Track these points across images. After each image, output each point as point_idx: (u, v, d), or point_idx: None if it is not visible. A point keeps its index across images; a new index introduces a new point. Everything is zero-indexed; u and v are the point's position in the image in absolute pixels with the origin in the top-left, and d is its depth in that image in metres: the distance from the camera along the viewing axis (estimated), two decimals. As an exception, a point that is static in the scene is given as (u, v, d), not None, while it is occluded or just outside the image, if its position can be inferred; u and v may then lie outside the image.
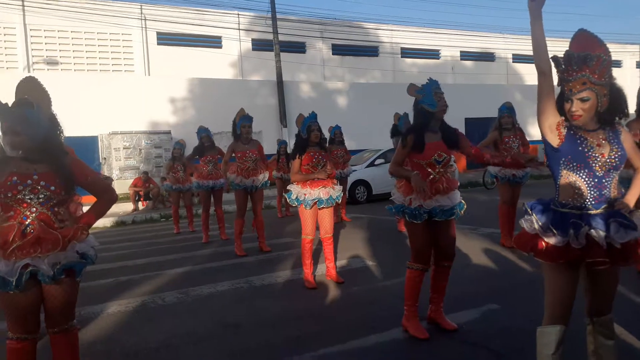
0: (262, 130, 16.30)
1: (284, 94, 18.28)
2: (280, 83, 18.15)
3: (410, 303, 3.58)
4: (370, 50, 22.89)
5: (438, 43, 23.91)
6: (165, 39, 18.61)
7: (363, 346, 3.41)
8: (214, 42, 19.45)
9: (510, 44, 25.45)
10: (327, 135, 7.09)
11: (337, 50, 22.08)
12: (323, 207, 5.00)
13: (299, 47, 21.08)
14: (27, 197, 2.47)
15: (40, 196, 2.49)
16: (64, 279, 2.51)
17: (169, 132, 16.23)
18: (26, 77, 2.67)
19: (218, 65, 19.13)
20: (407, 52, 23.65)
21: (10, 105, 2.53)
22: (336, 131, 9.44)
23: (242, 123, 6.56)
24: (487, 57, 25.59)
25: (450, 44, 24.03)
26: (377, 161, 12.97)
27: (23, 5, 16.15)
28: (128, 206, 13.83)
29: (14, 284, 2.37)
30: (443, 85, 3.70)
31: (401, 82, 20.65)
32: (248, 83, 18.68)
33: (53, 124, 2.65)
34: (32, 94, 2.59)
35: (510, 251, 5.94)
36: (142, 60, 18.13)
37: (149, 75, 18.01)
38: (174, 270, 6.12)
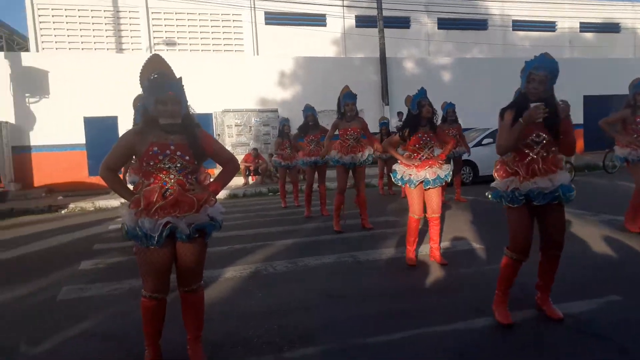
0: (364, 108, 16.28)
1: (387, 70, 18.07)
2: (383, 60, 17.96)
3: (500, 289, 3.48)
4: (479, 24, 21.77)
5: (554, 14, 22.13)
6: (273, 18, 19.14)
7: (470, 328, 3.38)
8: (318, 20, 19.66)
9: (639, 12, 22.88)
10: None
11: (443, 24, 21.27)
12: (430, 188, 4.96)
13: (403, 22, 20.63)
14: (166, 166, 2.73)
15: (177, 165, 2.75)
16: (196, 238, 2.78)
17: (276, 110, 16.81)
18: (154, 55, 2.87)
19: (322, 43, 19.34)
20: (519, 25, 22.15)
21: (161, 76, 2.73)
22: (449, 109, 9.14)
23: (346, 101, 6.64)
24: (611, 27, 23.21)
25: (569, 14, 22.12)
26: (485, 141, 12.42)
27: (146, -10, 17.48)
28: (239, 180, 14.67)
29: (156, 239, 2.66)
30: (558, 59, 3.35)
31: (512, 56, 19.48)
32: (351, 61, 18.70)
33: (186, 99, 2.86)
34: (167, 70, 2.78)
35: (637, 238, 5.49)
36: (251, 39, 18.83)
37: (258, 54, 18.68)
38: (281, 241, 6.44)
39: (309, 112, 8.26)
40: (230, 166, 2.98)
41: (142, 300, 2.85)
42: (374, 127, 11.97)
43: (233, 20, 18.76)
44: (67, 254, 6.44)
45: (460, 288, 4.30)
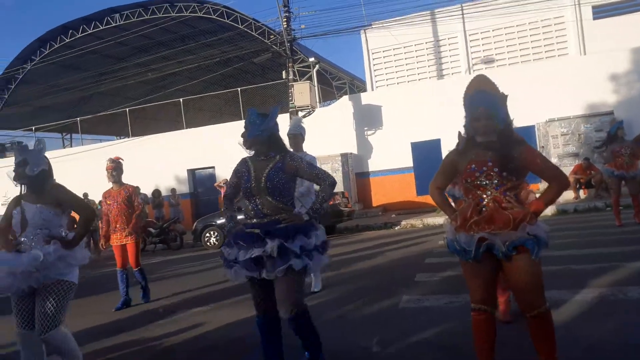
0: None
1: None
2: None
3: None
4: None
5: None
6: (603, 11, 16.93)
7: None
8: (665, -2, 16.38)
9: None
10: None
11: None
12: None
13: None
14: (483, 182, 2.77)
15: (494, 181, 2.74)
16: (520, 256, 2.66)
17: (611, 113, 14.68)
18: (478, 75, 2.96)
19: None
20: None
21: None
22: None
23: None
24: None
25: None
26: None
27: (462, 14, 18.00)
28: (569, 194, 13.37)
29: (472, 253, 2.70)
30: None
31: None
32: None
33: (507, 115, 2.83)
34: (485, 87, 2.84)
35: None
36: (577, 39, 17.08)
37: (584, 54, 16.81)
38: (631, 263, 5.51)
39: None
40: (556, 184, 2.76)
41: (471, 314, 2.89)
42: None
43: (554, 24, 17.46)
44: (403, 266, 7.11)
45: None
